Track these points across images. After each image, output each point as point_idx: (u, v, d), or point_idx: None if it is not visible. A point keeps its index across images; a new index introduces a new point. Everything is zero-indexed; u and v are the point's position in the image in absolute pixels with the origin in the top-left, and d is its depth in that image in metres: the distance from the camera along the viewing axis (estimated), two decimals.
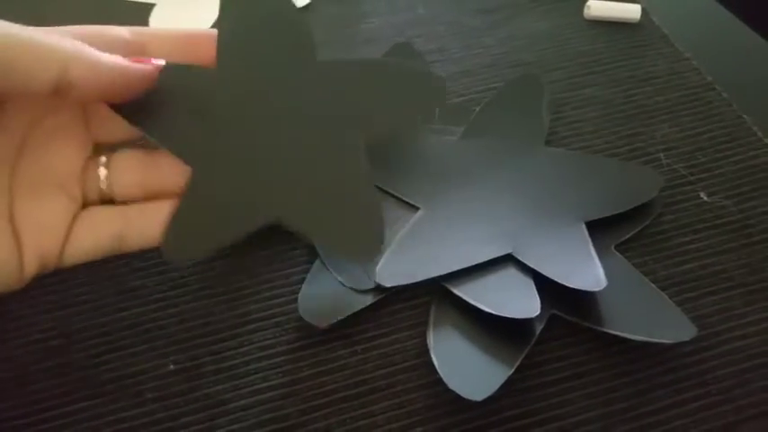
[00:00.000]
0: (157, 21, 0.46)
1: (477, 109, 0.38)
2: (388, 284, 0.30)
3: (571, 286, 0.30)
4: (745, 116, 0.40)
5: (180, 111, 0.31)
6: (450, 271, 0.31)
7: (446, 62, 0.42)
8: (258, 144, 0.31)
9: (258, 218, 0.29)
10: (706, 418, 0.29)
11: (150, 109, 0.30)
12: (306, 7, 0.46)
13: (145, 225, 0.27)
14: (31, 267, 0.25)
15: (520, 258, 0.31)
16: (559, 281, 0.30)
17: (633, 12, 0.44)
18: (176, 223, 0.28)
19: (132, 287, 0.32)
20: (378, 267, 0.31)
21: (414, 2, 0.47)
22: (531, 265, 0.31)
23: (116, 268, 0.33)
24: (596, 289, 0.30)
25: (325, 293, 0.31)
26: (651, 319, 0.30)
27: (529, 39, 0.44)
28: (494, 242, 0.32)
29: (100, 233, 0.26)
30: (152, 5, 0.47)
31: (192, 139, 0.30)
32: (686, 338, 0.29)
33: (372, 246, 0.28)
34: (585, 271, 0.31)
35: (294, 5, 0.33)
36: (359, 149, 0.30)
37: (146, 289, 0.32)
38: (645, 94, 0.41)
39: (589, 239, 0.32)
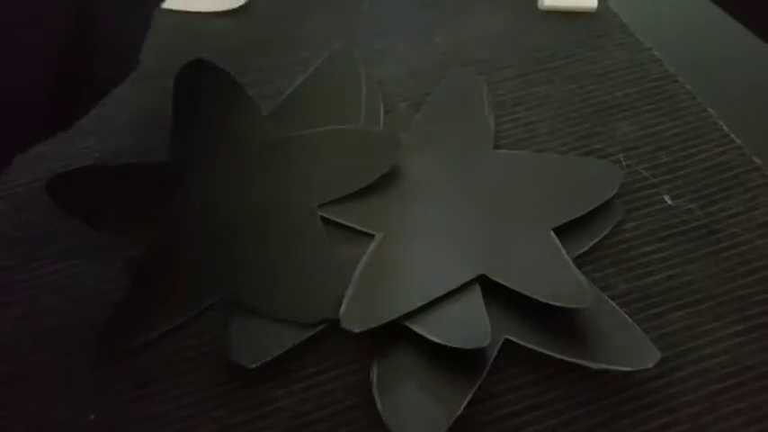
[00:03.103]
0: None
1: (417, 116, 0.36)
2: (356, 330, 0.27)
3: (558, 305, 0.27)
4: (710, 110, 0.37)
5: (122, 196, 0.33)
6: (420, 304, 0.28)
7: (391, 63, 0.40)
8: (208, 225, 0.32)
9: (206, 295, 0.30)
10: None
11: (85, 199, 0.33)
12: (243, 6, 0.43)
13: None
14: None
15: (495, 279, 0.29)
16: (544, 300, 0.28)
17: (589, 0, 0.42)
18: (121, 310, 0.29)
19: (46, 329, 0.29)
20: (341, 312, 0.28)
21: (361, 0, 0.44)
22: (509, 286, 0.29)
23: (28, 307, 0.30)
24: (583, 305, 0.27)
25: (257, 329, 0.28)
26: (611, 343, 0.28)
27: (480, 34, 0.41)
28: (463, 265, 0.30)
29: None
30: None
31: (137, 225, 0.32)
32: (649, 365, 0.27)
33: (326, 308, 0.28)
34: (569, 286, 0.28)
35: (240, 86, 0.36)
36: (311, 214, 0.31)
37: (62, 331, 0.29)
38: (603, 89, 0.38)
39: (562, 248, 0.30)
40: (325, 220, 0.32)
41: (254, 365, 0.27)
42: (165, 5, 0.42)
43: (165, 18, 0.42)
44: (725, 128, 0.37)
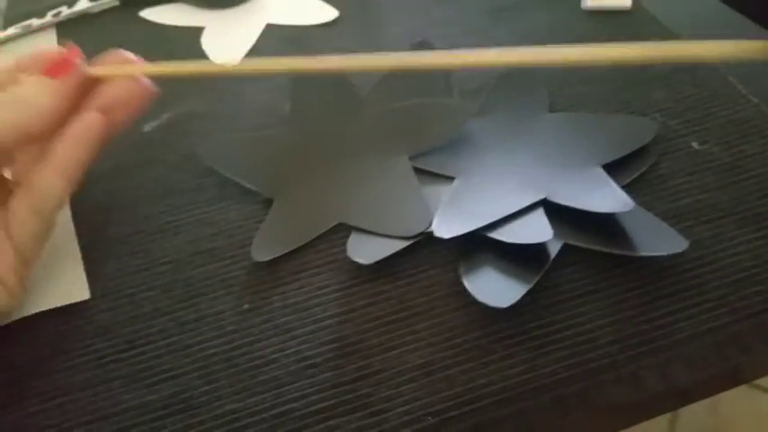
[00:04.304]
0: (208, 44, 0.52)
1: (483, 93, 0.44)
2: (446, 236, 0.35)
3: (605, 211, 0.35)
4: (731, 78, 0.45)
5: (258, 155, 0.42)
6: (494, 219, 0.36)
7: None
8: (326, 170, 0.41)
9: (328, 221, 0.38)
10: (706, 320, 0.33)
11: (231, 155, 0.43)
12: (336, 19, 0.53)
13: None
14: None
15: (553, 200, 0.36)
16: (593, 210, 0.35)
17: (624, 0, 0.50)
18: (264, 231, 0.38)
19: (207, 248, 0.38)
20: (434, 225, 0.36)
21: (429, 8, 0.53)
22: (565, 203, 0.36)
23: (193, 234, 0.39)
24: (626, 209, 0.35)
25: (370, 238, 0.37)
26: (650, 239, 0.35)
27: (534, 30, 0.50)
28: (528, 191, 0.37)
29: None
30: (201, 29, 0.54)
31: (271, 175, 0.41)
32: (680, 250, 0.34)
33: (420, 224, 0.37)
34: (613, 198, 0.36)
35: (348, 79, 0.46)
36: (404, 162, 0.40)
37: (219, 249, 0.38)
38: (639, 67, 0.46)
39: (608, 177, 0.37)
40: (415, 168, 0.40)
41: (368, 263, 0.36)
42: (276, 21, 0.52)
43: (278, 31, 0.53)
44: (743, 91, 0.44)
